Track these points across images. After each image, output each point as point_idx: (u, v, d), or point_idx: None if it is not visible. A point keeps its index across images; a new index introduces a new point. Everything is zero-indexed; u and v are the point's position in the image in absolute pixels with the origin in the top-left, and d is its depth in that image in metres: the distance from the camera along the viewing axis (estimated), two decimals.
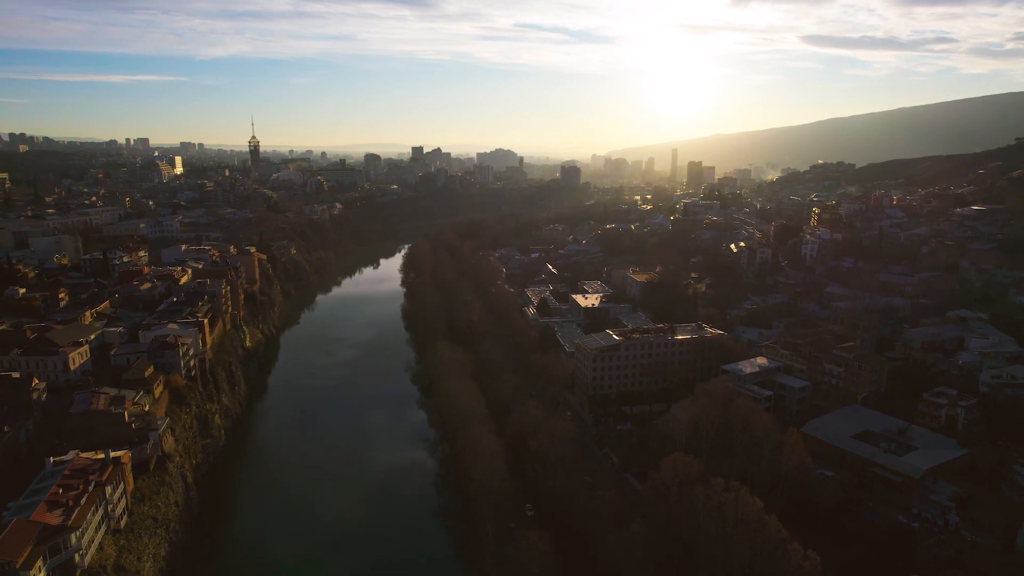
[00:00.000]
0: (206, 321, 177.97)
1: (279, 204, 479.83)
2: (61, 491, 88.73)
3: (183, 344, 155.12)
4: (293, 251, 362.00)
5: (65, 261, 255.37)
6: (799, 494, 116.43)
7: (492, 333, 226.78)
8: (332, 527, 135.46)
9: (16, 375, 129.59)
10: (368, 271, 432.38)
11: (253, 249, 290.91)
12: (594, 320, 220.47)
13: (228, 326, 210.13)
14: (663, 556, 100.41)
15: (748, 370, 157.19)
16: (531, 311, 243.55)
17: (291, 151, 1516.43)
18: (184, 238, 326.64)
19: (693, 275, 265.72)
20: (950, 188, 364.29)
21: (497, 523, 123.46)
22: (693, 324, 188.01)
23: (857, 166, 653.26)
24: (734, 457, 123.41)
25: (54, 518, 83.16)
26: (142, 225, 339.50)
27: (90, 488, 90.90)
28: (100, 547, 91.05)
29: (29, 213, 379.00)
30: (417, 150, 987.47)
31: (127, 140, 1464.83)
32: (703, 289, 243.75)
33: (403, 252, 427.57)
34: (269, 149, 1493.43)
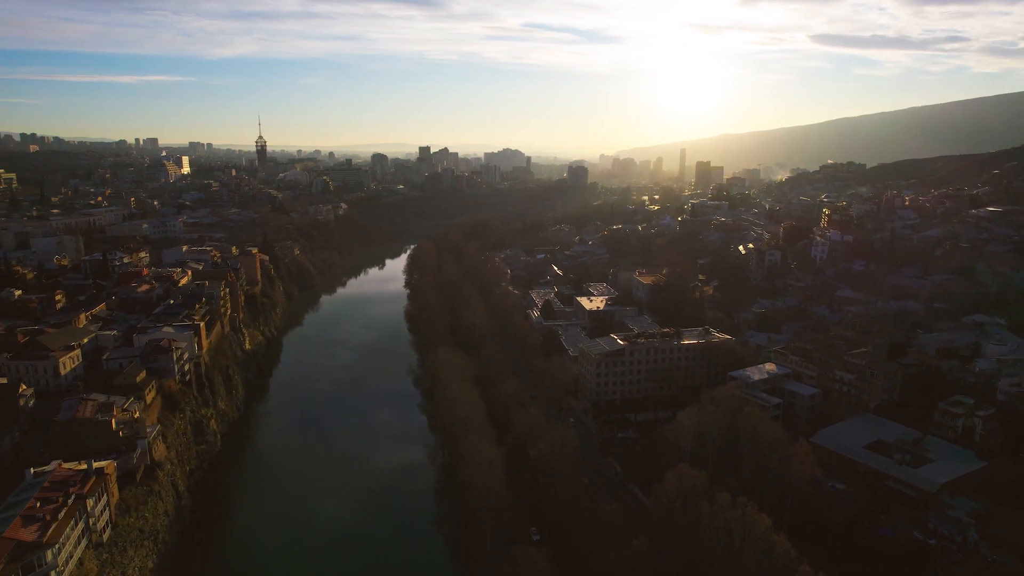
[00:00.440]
0: (202, 324, 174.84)
1: (284, 204, 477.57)
2: (39, 505, 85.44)
3: (177, 348, 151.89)
4: (297, 252, 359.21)
5: (65, 262, 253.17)
6: (809, 508, 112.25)
7: (495, 336, 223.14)
8: (329, 534, 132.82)
9: (3, 380, 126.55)
10: (373, 271, 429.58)
11: (255, 250, 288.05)
12: (599, 323, 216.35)
13: (227, 328, 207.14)
14: (666, 574, 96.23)
15: (756, 377, 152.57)
16: (535, 314, 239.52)
17: (299, 151, 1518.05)
18: (187, 238, 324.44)
19: (700, 277, 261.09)
20: (964, 189, 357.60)
21: (495, 535, 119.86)
22: (700, 328, 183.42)
23: (868, 166, 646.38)
24: (741, 468, 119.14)
25: (29, 534, 79.83)
26: (145, 226, 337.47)
27: (70, 501, 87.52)
28: (80, 563, 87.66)
29: (34, 213, 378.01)
30: (424, 150, 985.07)
31: (136, 140, 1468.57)
32: (710, 292, 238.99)
33: (408, 253, 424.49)
34: (277, 149, 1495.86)
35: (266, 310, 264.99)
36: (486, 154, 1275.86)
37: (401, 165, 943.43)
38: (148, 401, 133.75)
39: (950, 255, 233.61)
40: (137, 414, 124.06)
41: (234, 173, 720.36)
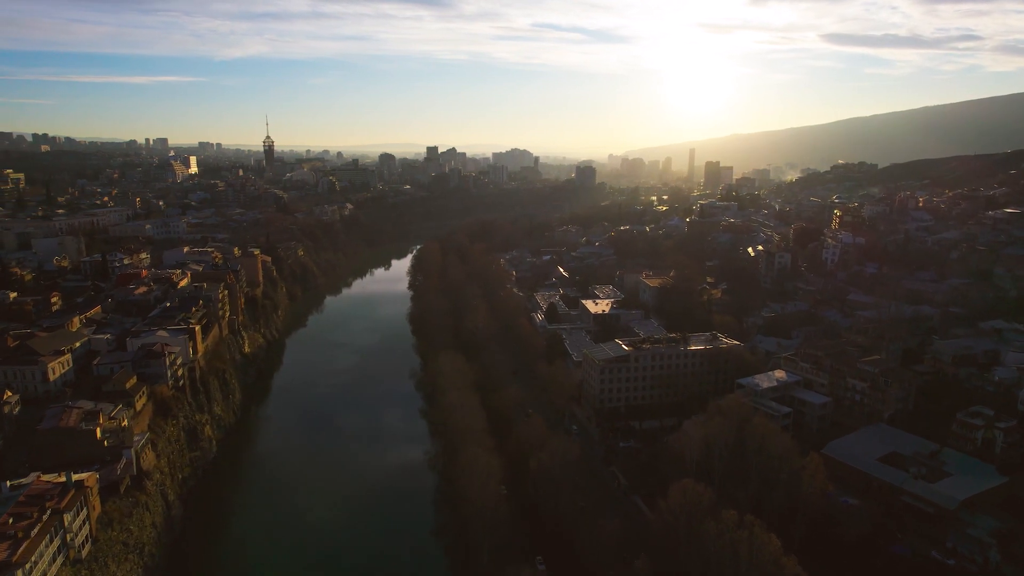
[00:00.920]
0: (198, 328, 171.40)
1: (289, 205, 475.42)
2: (12, 520, 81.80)
3: (171, 353, 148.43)
4: (300, 252, 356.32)
5: (65, 263, 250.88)
6: (820, 524, 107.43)
7: (498, 340, 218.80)
8: (324, 542, 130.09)
9: None
10: (379, 272, 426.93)
11: (257, 251, 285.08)
12: (604, 327, 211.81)
13: (225, 331, 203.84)
14: None
15: (765, 384, 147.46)
16: (539, 317, 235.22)
17: (307, 151, 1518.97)
18: (190, 239, 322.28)
19: (709, 280, 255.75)
20: (980, 189, 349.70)
21: (494, 548, 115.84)
22: (707, 334, 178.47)
23: (880, 166, 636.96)
24: (749, 482, 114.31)
25: None
26: (148, 226, 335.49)
27: (45, 516, 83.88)
28: None
29: (40, 213, 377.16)
30: (432, 150, 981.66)
31: (146, 140, 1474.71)
32: (719, 295, 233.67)
33: (414, 253, 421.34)
34: (286, 149, 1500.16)
35: (267, 312, 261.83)
36: (494, 154, 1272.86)
37: (408, 165, 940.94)
38: (138, 408, 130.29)
39: (966, 258, 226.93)
40: (125, 422, 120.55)
41: (241, 173, 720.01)
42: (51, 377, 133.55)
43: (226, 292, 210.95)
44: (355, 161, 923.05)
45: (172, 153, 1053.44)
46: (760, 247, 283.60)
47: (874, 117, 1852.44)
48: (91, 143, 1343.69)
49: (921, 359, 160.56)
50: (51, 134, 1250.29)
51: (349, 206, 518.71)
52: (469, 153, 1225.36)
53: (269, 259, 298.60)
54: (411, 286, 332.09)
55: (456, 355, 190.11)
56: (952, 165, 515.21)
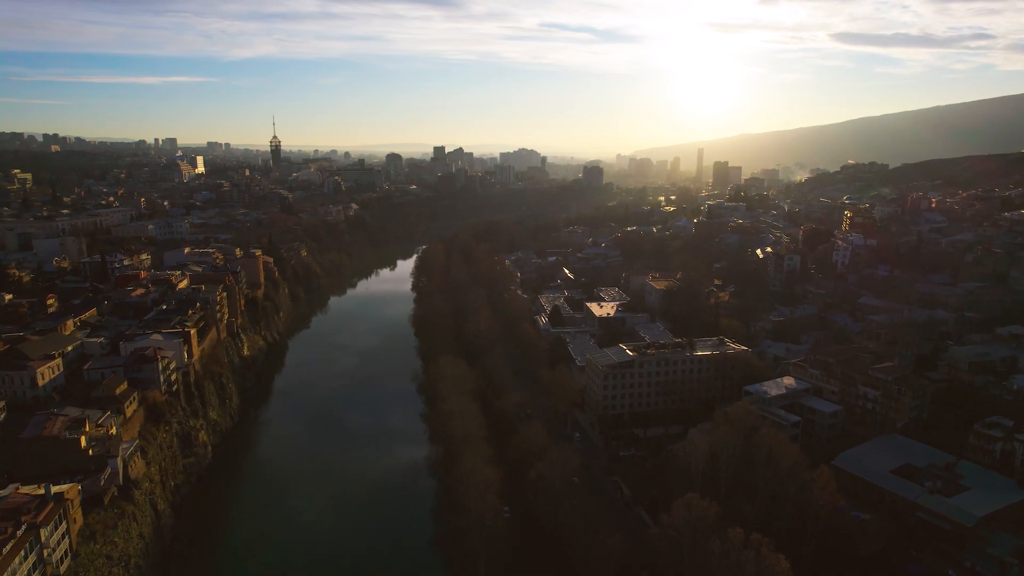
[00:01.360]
0: (194, 331, 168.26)
1: (294, 205, 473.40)
2: None
3: (164, 357, 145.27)
4: (304, 253, 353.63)
5: (65, 264, 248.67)
6: (830, 540, 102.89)
7: (501, 343, 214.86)
8: (320, 549, 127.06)
9: None
10: (385, 272, 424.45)
11: (259, 252, 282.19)
12: (609, 331, 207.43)
13: (223, 334, 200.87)
14: None
15: (773, 392, 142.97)
16: (543, 320, 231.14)
17: (316, 151, 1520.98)
18: (193, 239, 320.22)
19: (716, 282, 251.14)
20: (995, 190, 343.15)
21: (490, 560, 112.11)
22: (714, 339, 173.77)
23: (890, 166, 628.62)
24: (756, 495, 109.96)
25: None
26: (151, 226, 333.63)
27: (19, 532, 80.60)
28: None
29: (45, 213, 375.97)
30: (439, 150, 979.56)
31: (155, 140, 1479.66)
32: (726, 298, 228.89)
33: (418, 254, 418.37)
34: (295, 149, 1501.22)
35: (268, 314, 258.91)
36: (501, 154, 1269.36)
37: (415, 165, 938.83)
38: (128, 414, 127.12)
39: (982, 261, 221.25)
40: (114, 429, 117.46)
41: (247, 173, 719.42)
42: (40, 382, 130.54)
43: (224, 294, 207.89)
44: (361, 161, 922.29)
45: (179, 153, 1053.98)
46: (769, 249, 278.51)
47: (884, 117, 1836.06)
48: (101, 143, 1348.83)
49: (935, 366, 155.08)
50: (62, 134, 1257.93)
51: (354, 206, 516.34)
52: (477, 153, 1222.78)
53: (271, 260, 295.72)
54: (414, 287, 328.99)
55: (457, 359, 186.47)
56: (965, 165, 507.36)
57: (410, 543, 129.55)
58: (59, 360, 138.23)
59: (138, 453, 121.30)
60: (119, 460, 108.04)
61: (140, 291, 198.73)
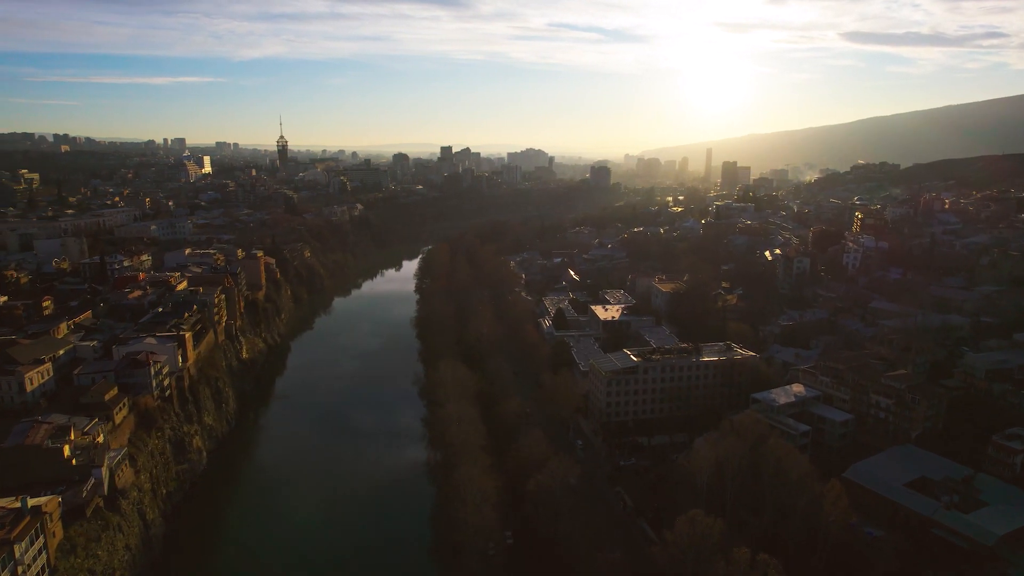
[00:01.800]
0: (189, 335, 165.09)
1: (298, 205, 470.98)
2: None
3: (156, 362, 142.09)
4: (307, 254, 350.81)
5: (65, 265, 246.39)
6: (842, 558, 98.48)
7: (503, 346, 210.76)
8: (315, 558, 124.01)
9: None
10: (390, 272, 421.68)
11: (260, 252, 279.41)
12: (613, 334, 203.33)
13: (221, 337, 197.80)
14: None
15: (782, 400, 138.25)
16: (547, 323, 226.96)
17: (323, 151, 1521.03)
18: (196, 240, 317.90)
19: (724, 285, 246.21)
20: (1010, 191, 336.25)
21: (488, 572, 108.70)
22: (721, 344, 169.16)
23: (902, 167, 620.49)
24: (764, 509, 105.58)
25: None
26: (153, 227, 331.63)
27: None
28: None
29: (49, 213, 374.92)
30: (446, 150, 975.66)
31: (164, 140, 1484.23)
32: (734, 301, 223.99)
33: (423, 255, 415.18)
34: (302, 148, 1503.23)
35: (269, 316, 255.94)
36: (509, 154, 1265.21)
37: (422, 165, 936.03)
38: (117, 421, 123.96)
39: (998, 264, 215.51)
40: (101, 437, 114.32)
41: (254, 173, 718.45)
42: (28, 388, 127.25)
43: (223, 296, 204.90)
44: (367, 161, 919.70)
45: (187, 153, 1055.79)
46: (778, 250, 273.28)
47: (895, 116, 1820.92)
48: (110, 143, 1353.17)
49: (951, 373, 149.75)
50: (72, 135, 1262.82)
51: (359, 206, 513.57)
52: (484, 153, 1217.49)
53: (273, 261, 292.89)
54: (417, 289, 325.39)
55: (458, 364, 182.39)
56: (978, 165, 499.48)
57: (409, 550, 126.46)
58: (49, 365, 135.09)
59: (126, 461, 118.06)
60: (104, 469, 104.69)
61: (137, 293, 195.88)
